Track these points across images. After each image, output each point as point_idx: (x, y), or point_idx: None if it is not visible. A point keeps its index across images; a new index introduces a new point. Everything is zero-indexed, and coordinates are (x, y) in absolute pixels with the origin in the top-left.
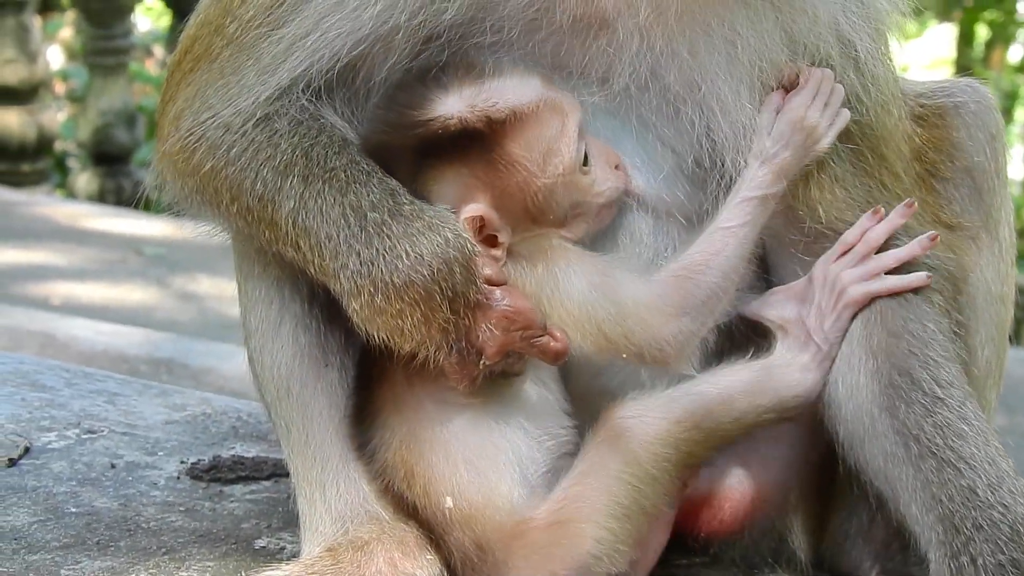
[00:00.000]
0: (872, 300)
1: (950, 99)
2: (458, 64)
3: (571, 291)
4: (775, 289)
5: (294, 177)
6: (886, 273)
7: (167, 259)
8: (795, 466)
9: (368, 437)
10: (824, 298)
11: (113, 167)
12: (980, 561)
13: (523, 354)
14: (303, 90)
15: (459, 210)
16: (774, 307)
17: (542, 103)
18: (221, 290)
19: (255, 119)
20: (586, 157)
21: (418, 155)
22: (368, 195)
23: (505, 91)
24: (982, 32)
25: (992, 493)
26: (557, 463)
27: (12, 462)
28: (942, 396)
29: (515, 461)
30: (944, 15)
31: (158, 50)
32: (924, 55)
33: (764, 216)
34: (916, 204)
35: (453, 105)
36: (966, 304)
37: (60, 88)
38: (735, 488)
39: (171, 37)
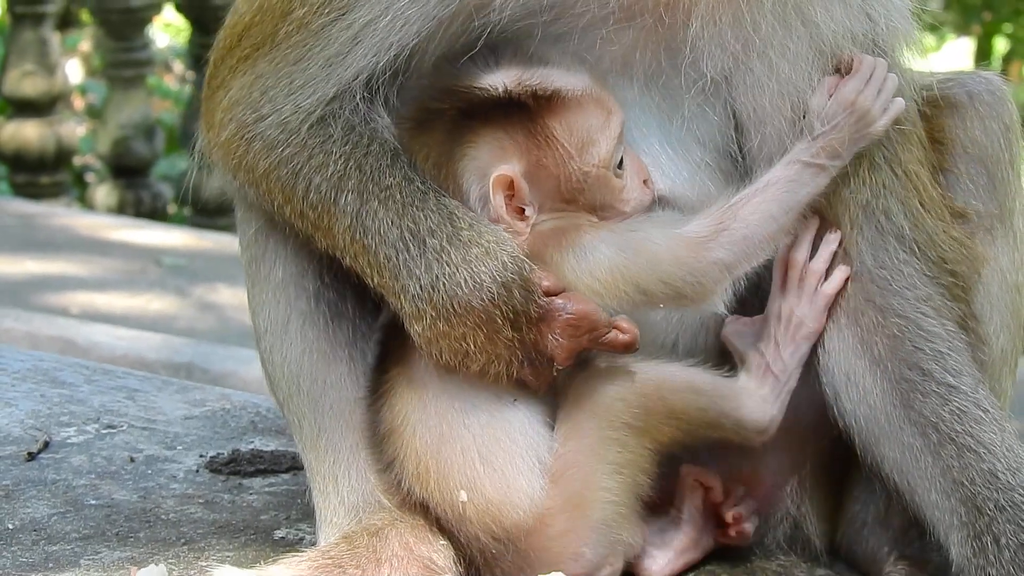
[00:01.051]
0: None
1: (964, 89)
2: (507, 48)
3: (599, 260)
4: (735, 317)
5: (349, 193)
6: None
7: (187, 269)
8: (809, 453)
9: (380, 433)
10: (781, 333)
11: (132, 179)
12: (1003, 541)
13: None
14: (364, 85)
15: (491, 170)
16: (737, 337)
17: (588, 93)
18: (241, 300)
19: (312, 120)
20: (622, 162)
21: (459, 116)
22: (426, 220)
23: (552, 75)
24: (1000, 46)
25: (1013, 476)
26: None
27: (32, 456)
28: (955, 384)
29: (532, 454)
30: (962, 29)
31: (177, 66)
32: (942, 69)
33: (812, 182)
34: (841, 235)
35: (500, 78)
36: (982, 293)
37: (79, 103)
38: (749, 475)
39: (191, 51)
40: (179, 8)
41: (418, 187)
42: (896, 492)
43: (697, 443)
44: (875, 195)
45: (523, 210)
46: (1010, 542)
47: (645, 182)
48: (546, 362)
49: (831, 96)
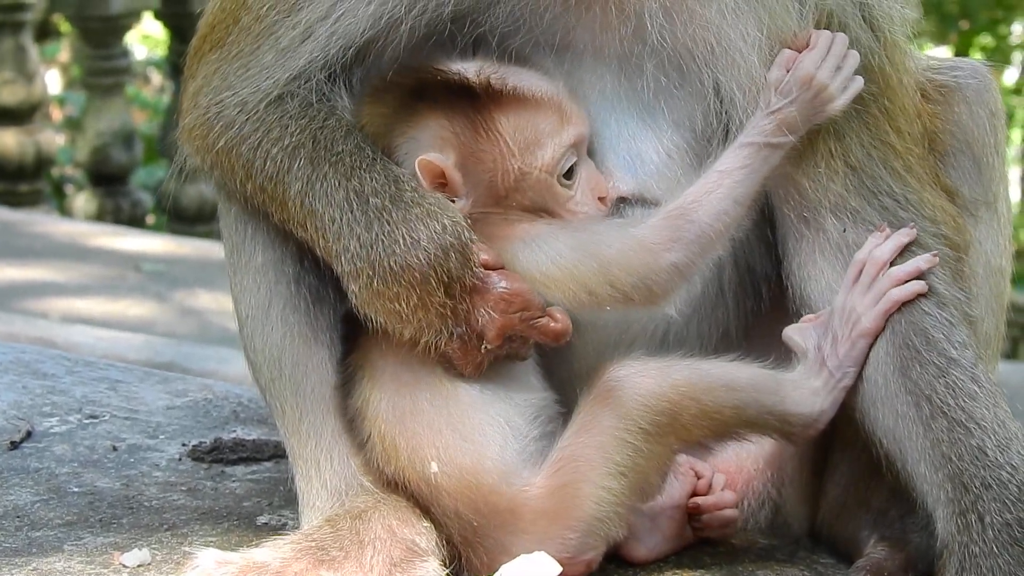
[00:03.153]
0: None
1: (953, 77)
2: (490, 45)
3: (548, 254)
4: (805, 316)
5: (302, 159)
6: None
7: (166, 275)
8: None
9: (351, 412)
10: (840, 327)
11: (111, 187)
12: (987, 519)
13: (526, 337)
14: (319, 70)
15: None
16: (800, 333)
17: (548, 98)
18: (221, 304)
19: (269, 99)
20: (571, 172)
21: (409, 95)
22: (371, 181)
23: (517, 73)
24: (977, 56)
25: (1001, 454)
26: (546, 429)
27: (14, 445)
28: (955, 357)
29: (502, 424)
30: (940, 38)
31: (156, 77)
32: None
33: (764, 166)
34: (916, 229)
35: (464, 65)
36: (968, 276)
37: (57, 114)
38: (730, 460)
39: (169, 59)
40: (158, 16)
41: (368, 154)
42: (887, 459)
43: (732, 440)
44: (859, 159)
45: (452, 198)
46: (994, 520)
47: (602, 199)
48: (476, 339)
49: (788, 70)
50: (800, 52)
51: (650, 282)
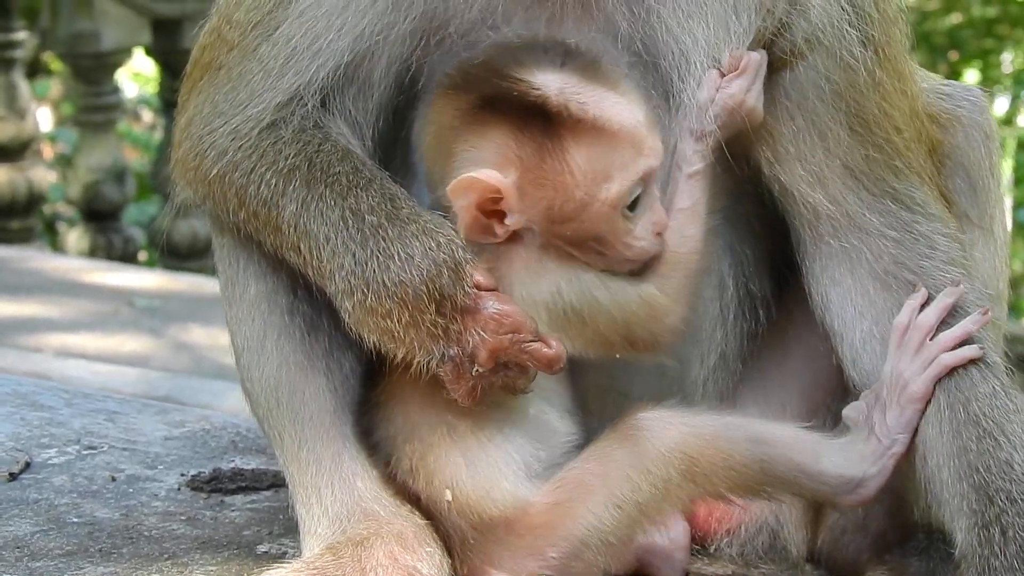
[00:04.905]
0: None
1: (948, 99)
2: (580, 54)
3: (570, 296)
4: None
5: (297, 180)
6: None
7: (160, 310)
8: None
9: (374, 429)
10: (889, 394)
11: (104, 223)
12: (1011, 533)
13: (523, 367)
14: (311, 94)
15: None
16: (853, 408)
17: (628, 130)
18: (215, 339)
19: (262, 125)
20: (635, 204)
21: (481, 101)
22: (368, 199)
23: (603, 101)
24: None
25: None
26: (562, 459)
27: (13, 476)
28: (997, 362)
29: (516, 460)
30: (929, 68)
31: (147, 115)
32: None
33: (707, 186)
34: (963, 286)
35: (547, 81)
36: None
37: (48, 152)
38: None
39: (161, 95)
40: (149, 52)
41: (365, 174)
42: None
43: (764, 498)
44: (855, 160)
45: (503, 214)
46: (1017, 535)
47: (659, 234)
48: (468, 361)
49: (718, 90)
50: (729, 73)
51: (661, 334)
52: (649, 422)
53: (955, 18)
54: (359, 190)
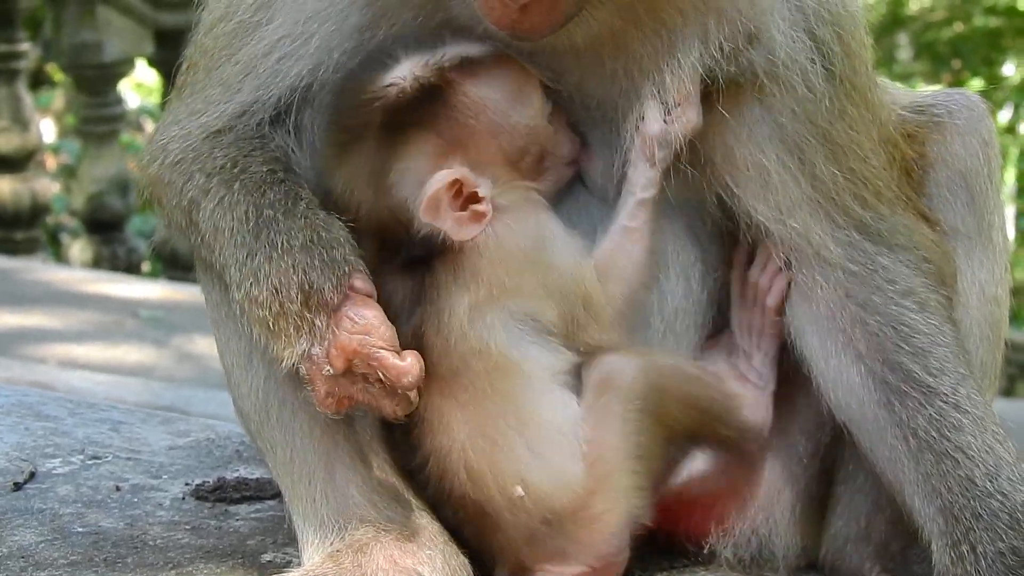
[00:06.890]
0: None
1: (945, 107)
2: (407, 43)
3: (560, 253)
4: (705, 345)
5: (216, 180)
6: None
7: (164, 321)
8: (787, 466)
9: (415, 453)
10: (745, 342)
11: (107, 234)
12: (980, 549)
13: (390, 388)
14: (267, 110)
15: (427, 177)
16: (709, 362)
17: (498, 54)
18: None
19: (209, 131)
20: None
21: (385, 134)
22: (272, 195)
23: (455, 47)
24: None
25: (990, 482)
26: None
27: (18, 486)
28: (933, 385)
29: (572, 438)
30: (932, 78)
31: (149, 125)
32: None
33: (652, 210)
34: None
35: (405, 68)
36: (960, 306)
37: (52, 163)
38: (725, 486)
39: (164, 106)
40: (152, 63)
41: (279, 175)
42: (890, 490)
43: (705, 442)
44: (822, 190)
45: (476, 193)
46: (987, 550)
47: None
48: (324, 360)
49: (667, 123)
50: (681, 104)
51: (592, 320)
52: (615, 365)
53: (958, 28)
54: (267, 187)
